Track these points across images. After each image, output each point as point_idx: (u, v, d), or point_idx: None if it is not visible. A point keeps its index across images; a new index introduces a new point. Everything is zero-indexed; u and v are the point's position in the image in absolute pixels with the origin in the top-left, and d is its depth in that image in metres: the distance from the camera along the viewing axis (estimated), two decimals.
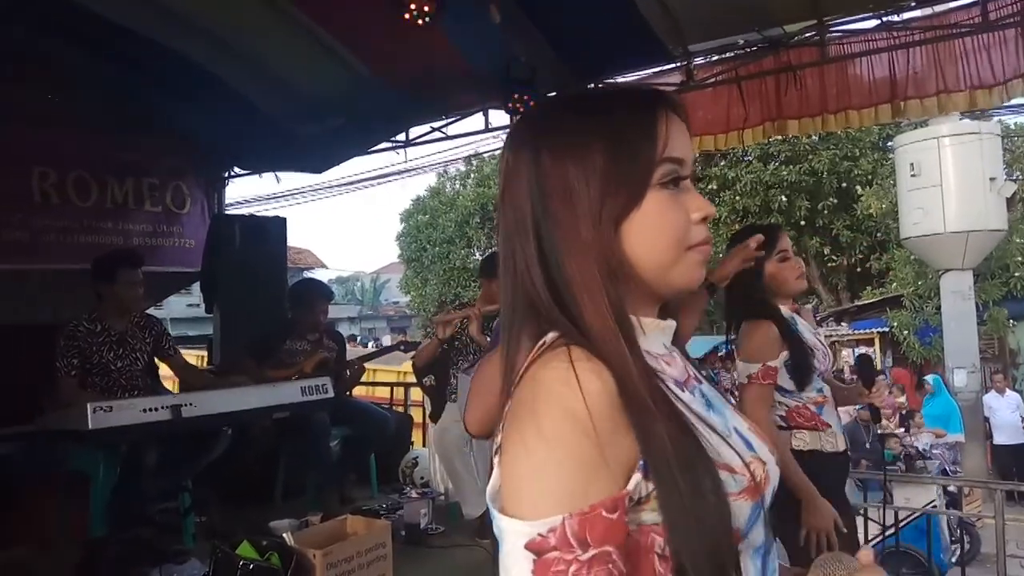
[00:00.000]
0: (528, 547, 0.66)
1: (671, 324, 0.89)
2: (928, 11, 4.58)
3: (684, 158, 0.83)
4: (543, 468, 0.68)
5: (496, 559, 0.71)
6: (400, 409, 6.52)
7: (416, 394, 6.77)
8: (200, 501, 3.81)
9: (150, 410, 3.17)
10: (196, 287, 6.46)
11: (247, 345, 4.60)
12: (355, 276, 44.20)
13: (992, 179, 11.74)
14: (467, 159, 19.68)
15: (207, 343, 6.46)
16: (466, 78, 4.97)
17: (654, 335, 0.86)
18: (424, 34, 4.22)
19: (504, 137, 6.94)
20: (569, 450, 0.67)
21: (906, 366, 14.78)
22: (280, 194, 11.88)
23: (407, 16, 4.05)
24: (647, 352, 0.80)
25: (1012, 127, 16.39)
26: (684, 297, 0.89)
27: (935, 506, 6.20)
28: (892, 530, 4.77)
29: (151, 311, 4.97)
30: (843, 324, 16.93)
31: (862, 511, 5.03)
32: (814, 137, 15.85)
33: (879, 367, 14.95)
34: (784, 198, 17.34)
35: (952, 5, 4.45)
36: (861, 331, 16.03)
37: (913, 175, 12.14)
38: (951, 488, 8.06)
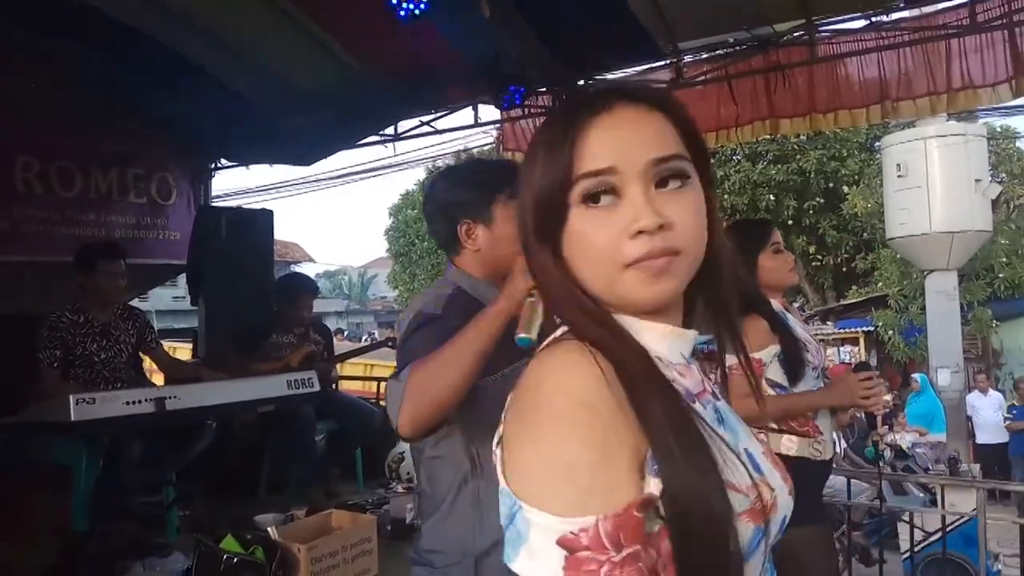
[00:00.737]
0: (560, 543, 0.64)
1: (689, 334, 0.84)
2: (916, 12, 4.60)
3: (621, 165, 0.74)
4: (567, 456, 0.66)
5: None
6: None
7: None
8: (184, 494, 3.79)
9: (133, 402, 3.14)
10: (182, 279, 6.41)
11: (232, 338, 4.57)
12: (343, 270, 44.07)
13: (978, 180, 11.82)
14: (456, 154, 19.64)
15: (192, 336, 6.41)
16: (456, 72, 4.96)
17: (668, 341, 0.81)
18: (414, 28, 4.20)
19: (494, 132, 6.93)
20: (586, 437, 0.66)
21: (890, 365, 14.89)
22: (267, 187, 11.81)
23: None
24: (658, 358, 0.77)
25: (998, 129, 16.53)
26: (715, 305, 0.85)
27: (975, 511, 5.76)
28: (935, 536, 4.60)
29: (136, 303, 4.94)
30: (828, 323, 17.03)
31: (907, 516, 4.97)
32: (802, 137, 15.92)
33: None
34: (772, 197, 17.42)
35: (940, 6, 4.48)
36: (846, 330, 16.13)
37: (899, 176, 12.20)
38: (932, 486, 8.12)
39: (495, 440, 0.76)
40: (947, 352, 12.17)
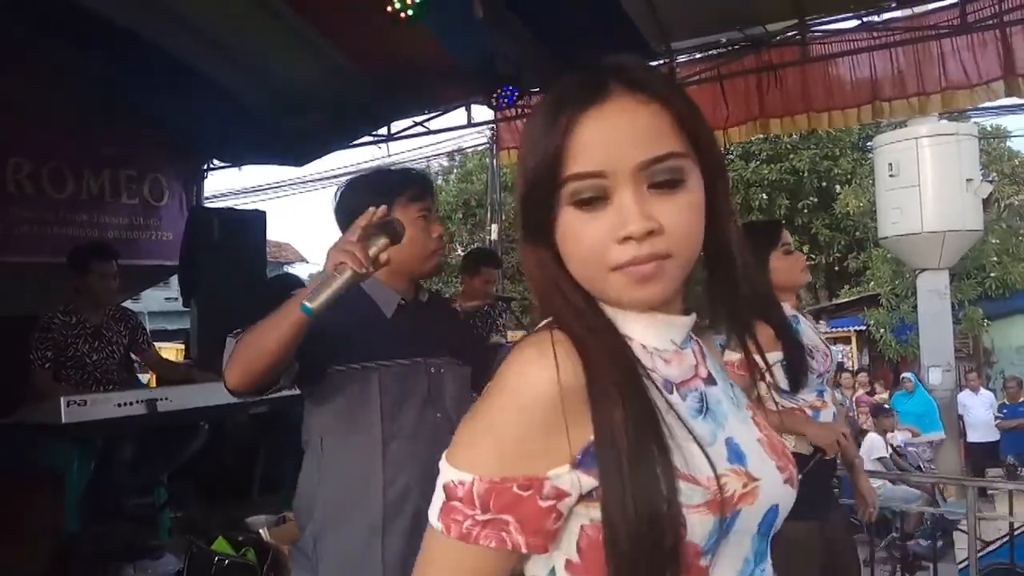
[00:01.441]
0: (444, 487, 0.73)
1: (681, 320, 0.82)
2: (908, 12, 4.62)
3: (610, 168, 0.72)
4: (480, 427, 0.73)
5: None
6: None
7: None
8: (176, 496, 3.78)
9: (125, 404, 3.14)
10: (175, 280, 6.39)
11: (223, 339, 4.55)
12: None
13: (969, 180, 11.86)
14: (450, 154, 19.62)
15: (185, 337, 6.39)
16: (449, 73, 4.95)
17: (656, 329, 0.80)
18: (407, 28, 4.20)
19: (487, 132, 6.95)
20: (505, 422, 0.71)
21: (883, 364, 14.94)
22: (261, 187, 11.81)
23: (390, 9, 4.03)
24: (643, 347, 0.78)
25: (989, 129, 16.60)
26: (728, 302, 0.86)
27: None
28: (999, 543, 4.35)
29: (128, 304, 4.92)
30: (821, 322, 17.06)
31: (964, 524, 4.55)
32: (795, 136, 15.97)
33: (856, 365, 15.11)
34: (765, 196, 17.47)
35: (931, 7, 4.50)
36: (839, 329, 16.18)
37: (891, 175, 12.24)
38: (926, 485, 8.16)
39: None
40: (939, 351, 12.21)
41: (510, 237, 12.16)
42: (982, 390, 11.43)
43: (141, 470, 3.55)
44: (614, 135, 0.73)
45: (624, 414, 0.69)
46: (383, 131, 6.29)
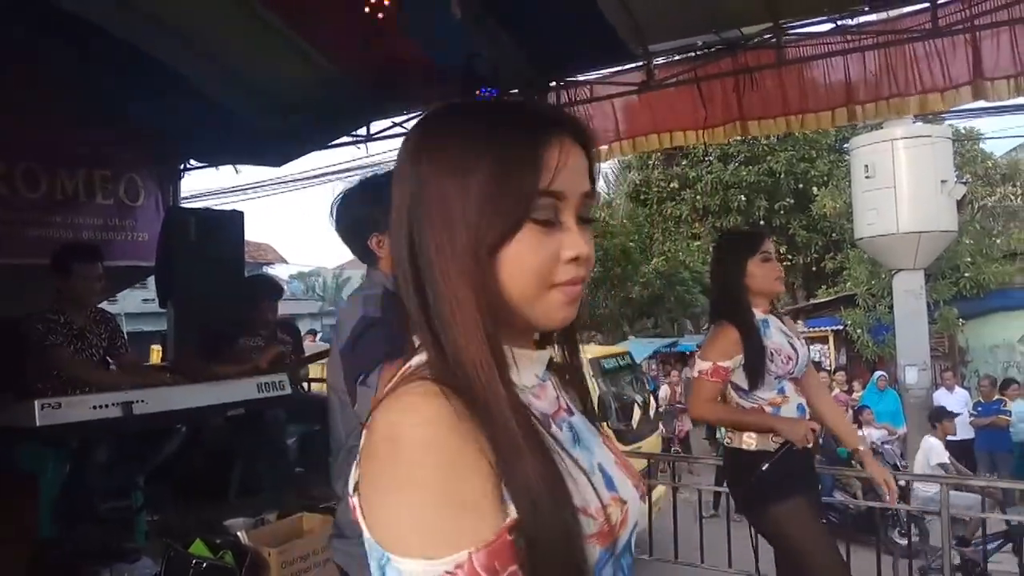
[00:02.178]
0: None
1: (545, 355, 0.86)
2: (882, 16, 4.68)
3: (567, 192, 0.77)
4: (426, 504, 0.66)
5: None
6: None
7: None
8: (152, 499, 3.75)
9: (100, 407, 3.10)
10: (152, 282, 6.33)
11: (201, 341, 4.52)
12: (316, 271, 43.68)
13: (943, 181, 12.03)
14: None
15: (161, 339, 6.34)
16: (428, 74, 4.95)
17: (527, 367, 0.82)
18: (385, 28, 4.20)
19: None
20: (442, 479, 0.66)
21: (860, 363, 15.09)
22: (239, 187, 11.71)
23: (367, 9, 4.03)
24: (520, 387, 0.79)
25: (962, 131, 16.83)
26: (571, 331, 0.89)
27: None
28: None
29: (105, 306, 4.87)
30: (799, 322, 17.19)
31: None
32: (772, 138, 16.10)
33: (833, 364, 15.25)
34: (743, 198, 17.61)
35: (904, 11, 4.55)
36: (816, 329, 16.32)
37: (867, 177, 12.38)
38: (901, 482, 8.25)
39: (351, 485, 0.74)
40: (915, 350, 12.36)
41: None
42: (957, 388, 11.58)
43: (117, 473, 3.52)
44: (571, 163, 0.78)
45: (532, 464, 0.69)
46: (362, 131, 6.27)
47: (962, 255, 13.89)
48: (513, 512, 0.68)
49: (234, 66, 5.17)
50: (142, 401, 3.23)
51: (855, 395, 11.93)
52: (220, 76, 5.25)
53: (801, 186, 17.68)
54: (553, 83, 5.34)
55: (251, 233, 6.58)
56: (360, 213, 1.88)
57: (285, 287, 5.00)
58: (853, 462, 9.01)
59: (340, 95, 5.38)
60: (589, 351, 7.74)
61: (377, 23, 4.11)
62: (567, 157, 0.78)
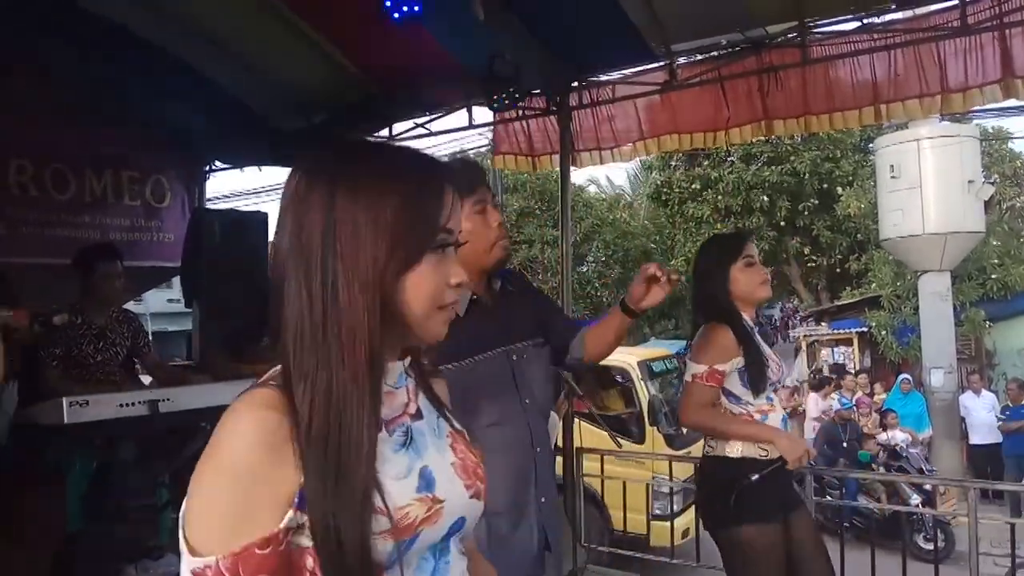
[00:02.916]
0: (192, 574, 0.78)
1: (400, 365, 0.98)
2: (909, 14, 4.62)
3: (455, 229, 0.94)
4: (208, 505, 0.80)
5: None
6: None
7: None
8: (177, 497, 3.78)
9: (127, 405, 3.14)
10: (177, 282, 6.40)
11: (225, 341, 4.56)
12: None
13: (970, 182, 11.87)
14: (451, 156, 19.63)
15: (187, 339, 6.39)
16: (449, 74, 4.96)
17: (388, 375, 0.95)
18: (408, 29, 4.20)
19: (488, 133, 6.93)
20: (226, 493, 0.79)
21: (884, 366, 14.93)
22: (263, 189, 11.83)
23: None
24: None
25: (990, 130, 16.59)
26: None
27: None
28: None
29: (130, 306, 4.93)
30: (823, 324, 17.07)
31: None
32: (796, 138, 15.96)
33: (858, 366, 15.09)
34: (766, 198, 17.46)
35: (932, 8, 4.48)
36: (840, 331, 16.18)
37: (893, 177, 12.25)
38: (926, 487, 8.15)
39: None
40: (940, 353, 12.21)
41: (512, 238, 12.15)
42: (984, 392, 11.41)
43: (143, 470, 3.56)
44: (455, 204, 0.95)
45: (331, 458, 0.81)
46: (384, 132, 6.29)
47: (989, 256, 13.71)
48: (293, 520, 0.81)
49: (258, 66, 5.21)
50: (168, 400, 3.27)
51: (876, 398, 11.78)
52: (244, 77, 5.30)
53: (826, 186, 17.51)
54: (575, 83, 5.32)
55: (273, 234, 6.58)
56: None
57: None
58: (874, 465, 8.95)
59: (363, 95, 5.40)
60: (637, 353, 7.62)
61: (399, 23, 4.11)
62: (455, 200, 0.95)
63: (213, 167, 7.07)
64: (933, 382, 12.09)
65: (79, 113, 5.60)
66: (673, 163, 18.74)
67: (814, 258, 18.52)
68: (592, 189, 22.41)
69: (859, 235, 17.26)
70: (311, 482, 0.80)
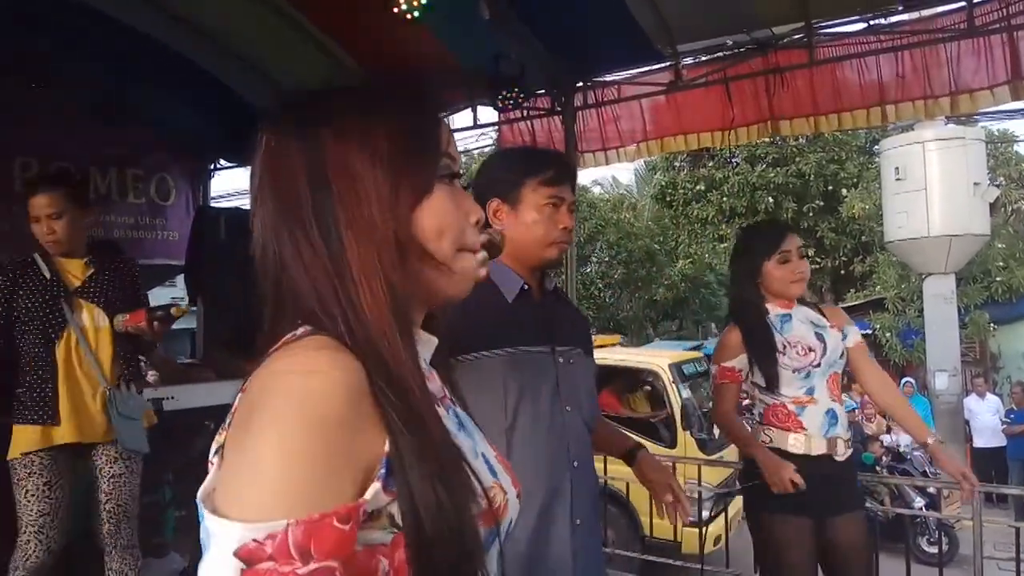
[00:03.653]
0: (238, 554, 0.56)
1: (433, 340, 0.84)
2: (915, 15, 4.61)
3: (456, 157, 0.81)
4: (269, 465, 0.59)
5: None
6: None
7: None
8: (181, 495, 3.78)
9: None
10: (181, 280, 6.40)
11: (230, 338, 4.56)
12: None
13: (976, 184, 11.84)
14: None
15: (191, 336, 6.40)
16: (454, 74, 4.96)
17: (422, 348, 0.80)
18: (413, 28, 4.20)
19: (493, 133, 6.89)
20: (300, 446, 0.59)
21: (888, 368, 14.90)
22: None
23: (396, 10, 4.04)
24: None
25: (996, 133, 16.55)
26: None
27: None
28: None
29: None
30: None
31: None
32: (801, 140, 15.95)
33: None
34: (770, 199, 17.45)
35: (938, 10, 4.47)
36: None
37: (898, 179, 12.22)
38: (930, 489, 8.13)
39: (213, 450, 0.69)
40: (945, 355, 12.18)
41: None
42: (988, 395, 11.38)
43: (146, 468, 3.56)
44: (450, 131, 0.83)
45: (438, 435, 0.69)
46: None
47: (994, 259, 13.67)
48: (373, 496, 0.63)
49: (261, 64, 5.22)
50: (172, 398, 3.27)
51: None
52: (249, 75, 5.30)
53: (830, 188, 17.50)
54: (580, 83, 5.32)
55: None
56: (488, 175, 1.78)
57: None
58: (878, 468, 8.92)
59: None
60: (667, 355, 7.35)
61: (404, 23, 4.11)
62: (447, 125, 0.82)
63: (217, 165, 7.08)
64: (937, 385, 12.06)
65: (83, 111, 5.60)
66: (677, 164, 18.74)
67: (818, 260, 18.48)
68: (596, 190, 22.41)
69: (864, 237, 17.24)
70: (405, 443, 0.64)
